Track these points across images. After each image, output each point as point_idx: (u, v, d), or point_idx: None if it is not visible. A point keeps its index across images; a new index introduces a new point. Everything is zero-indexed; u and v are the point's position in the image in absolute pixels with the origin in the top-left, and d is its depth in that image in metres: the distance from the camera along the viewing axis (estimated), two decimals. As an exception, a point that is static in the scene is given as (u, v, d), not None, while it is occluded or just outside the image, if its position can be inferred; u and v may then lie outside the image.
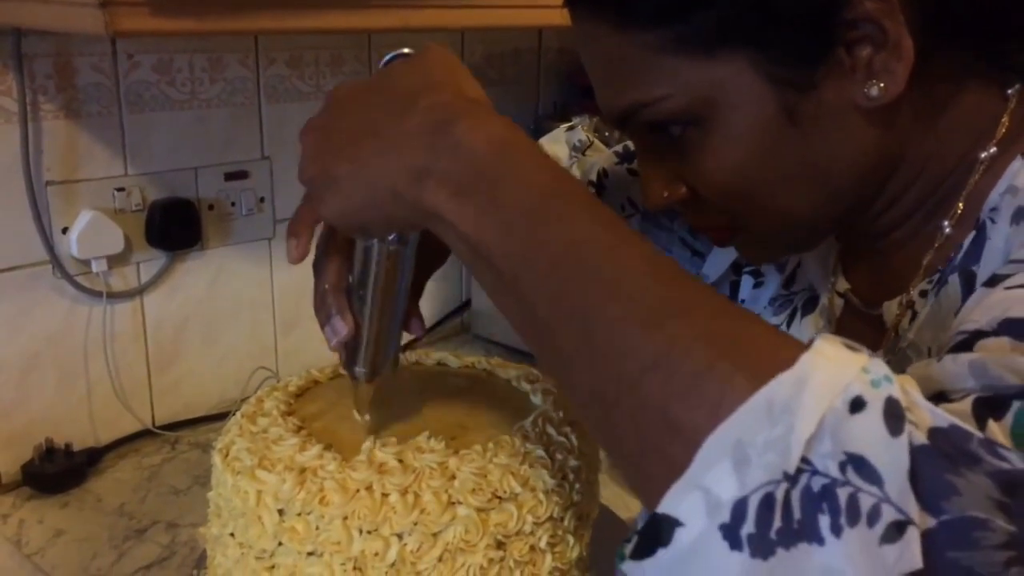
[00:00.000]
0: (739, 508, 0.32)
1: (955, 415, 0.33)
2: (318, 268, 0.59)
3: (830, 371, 0.32)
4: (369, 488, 0.57)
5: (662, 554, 0.33)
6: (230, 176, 1.16)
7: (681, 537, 0.33)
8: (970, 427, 0.32)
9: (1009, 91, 0.52)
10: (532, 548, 0.60)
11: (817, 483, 0.31)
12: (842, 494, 0.31)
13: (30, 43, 0.95)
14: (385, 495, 0.57)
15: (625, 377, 0.37)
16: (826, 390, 0.32)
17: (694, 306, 0.38)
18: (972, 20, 0.51)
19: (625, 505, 0.81)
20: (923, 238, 0.56)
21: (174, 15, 0.73)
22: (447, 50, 0.50)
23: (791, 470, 0.31)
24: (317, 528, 0.57)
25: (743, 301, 0.76)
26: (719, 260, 0.78)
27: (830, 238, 0.67)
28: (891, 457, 0.31)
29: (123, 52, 1.03)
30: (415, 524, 0.56)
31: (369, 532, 0.56)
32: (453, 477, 0.58)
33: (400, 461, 0.59)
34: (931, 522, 0.30)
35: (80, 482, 1.02)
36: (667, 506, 0.33)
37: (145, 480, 1.04)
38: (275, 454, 0.61)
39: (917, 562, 0.30)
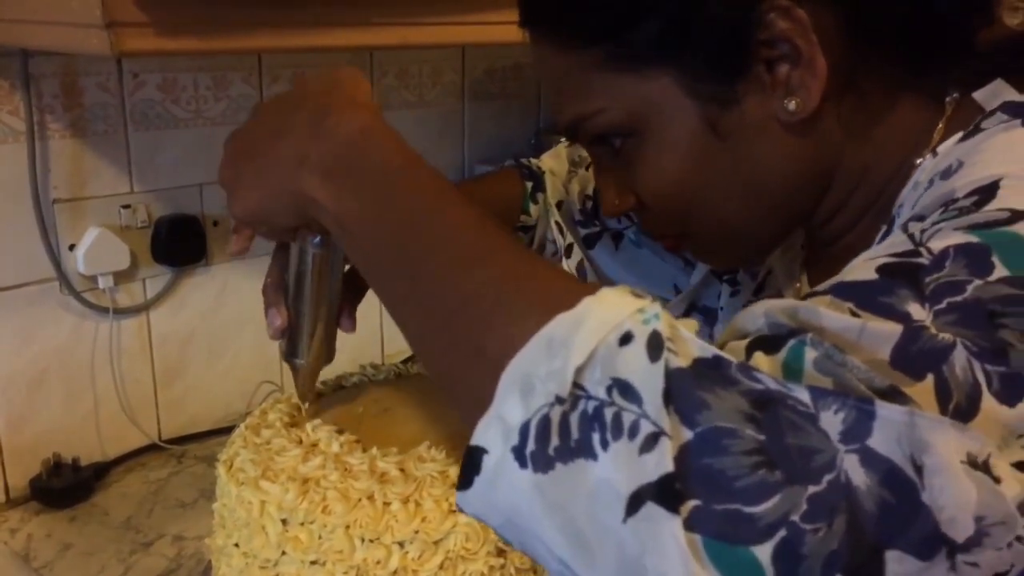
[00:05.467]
0: (524, 430, 0.36)
1: (731, 351, 0.37)
2: (270, 267, 0.66)
3: (606, 311, 0.37)
4: (371, 497, 0.58)
5: (477, 481, 0.38)
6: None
7: (487, 463, 0.37)
8: (732, 357, 0.36)
9: (947, 99, 0.54)
10: (532, 556, 0.60)
11: (590, 406, 0.35)
12: (608, 413, 0.35)
13: (37, 63, 0.96)
14: (387, 504, 0.58)
15: (440, 316, 0.43)
16: (600, 327, 0.36)
17: (500, 256, 0.43)
18: (894, 38, 0.53)
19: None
20: (870, 242, 0.58)
21: (178, 35, 0.74)
22: (356, 70, 0.56)
23: (564, 394, 0.35)
24: (320, 537, 0.58)
25: (721, 308, 0.78)
26: (702, 268, 0.80)
27: (796, 246, 0.68)
28: (649, 379, 0.34)
29: (128, 71, 1.05)
30: (416, 532, 0.57)
31: (371, 541, 0.57)
32: (454, 485, 0.59)
33: (401, 470, 0.60)
34: (688, 434, 0.34)
35: (87, 496, 1.03)
36: (477, 437, 0.38)
37: (151, 494, 1.05)
38: (278, 465, 0.62)
39: (668, 465, 0.33)
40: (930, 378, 0.35)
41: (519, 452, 0.36)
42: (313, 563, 0.58)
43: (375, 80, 1.29)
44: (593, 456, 0.34)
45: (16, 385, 1.02)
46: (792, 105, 0.52)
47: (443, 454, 0.61)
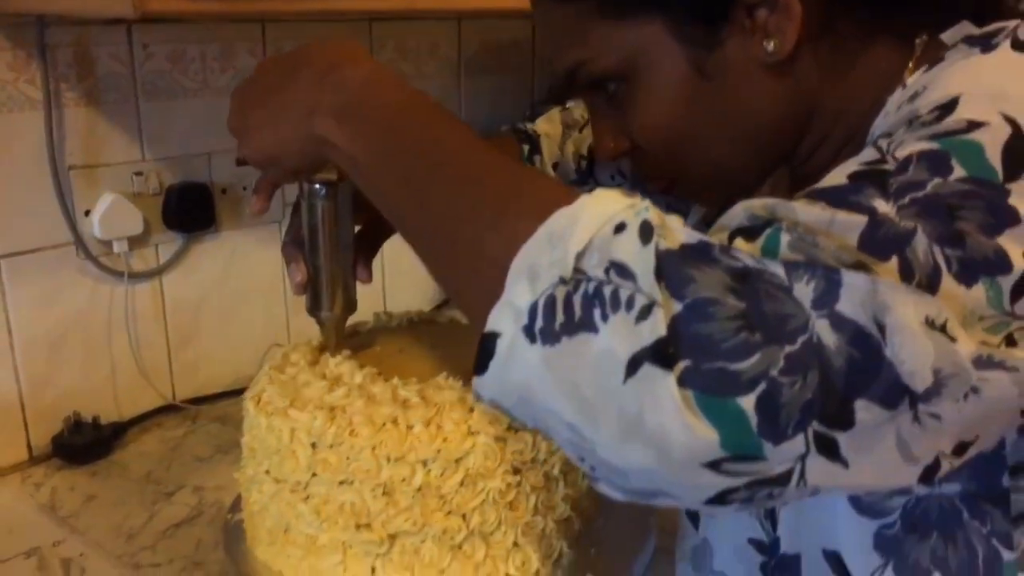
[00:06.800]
0: (532, 310, 0.40)
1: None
2: (287, 227, 0.73)
3: (601, 206, 0.41)
4: (395, 421, 0.62)
5: (492, 364, 0.42)
6: (242, 161, 1.20)
7: (500, 345, 0.41)
8: (716, 241, 0.40)
9: (917, 41, 0.58)
10: (546, 476, 0.64)
11: (591, 286, 0.40)
12: (607, 290, 0.39)
13: (53, 34, 0.99)
14: (410, 427, 0.62)
15: (448, 229, 0.47)
16: (596, 219, 0.41)
17: (501, 169, 0.48)
18: None
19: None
20: None
21: (196, -3, 0.78)
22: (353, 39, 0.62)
23: (567, 276, 0.40)
24: (348, 458, 0.62)
25: None
26: (694, 216, 0.84)
27: (782, 187, 0.72)
28: (641, 259, 0.39)
29: (139, 43, 1.08)
30: (439, 452, 0.61)
31: (396, 460, 0.61)
32: (471, 410, 0.63)
33: (422, 398, 0.64)
34: (677, 306, 0.38)
35: (107, 454, 1.06)
36: (490, 324, 0.42)
37: (169, 451, 1.08)
38: (305, 396, 0.65)
39: (662, 330, 0.38)
40: (894, 259, 0.40)
41: (528, 330, 0.40)
42: (342, 483, 0.62)
43: (374, 52, 1.32)
44: (594, 329, 0.39)
45: (37, 347, 1.06)
46: (771, 47, 0.56)
47: (460, 383, 0.65)
